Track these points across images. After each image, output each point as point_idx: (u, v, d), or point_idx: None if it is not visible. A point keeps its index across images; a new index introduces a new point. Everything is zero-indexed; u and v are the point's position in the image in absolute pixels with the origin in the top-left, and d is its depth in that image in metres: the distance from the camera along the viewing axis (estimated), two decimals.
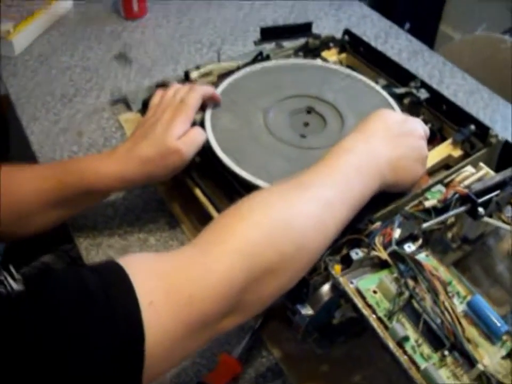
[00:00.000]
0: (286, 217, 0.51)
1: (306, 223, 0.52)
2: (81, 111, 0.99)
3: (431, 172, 0.73)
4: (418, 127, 0.66)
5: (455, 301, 0.53)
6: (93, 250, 0.77)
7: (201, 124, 0.73)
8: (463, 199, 0.60)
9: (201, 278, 0.45)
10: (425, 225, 0.56)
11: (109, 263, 0.43)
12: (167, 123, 0.68)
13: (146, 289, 0.41)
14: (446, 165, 0.74)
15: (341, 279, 0.52)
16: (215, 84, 0.82)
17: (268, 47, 0.94)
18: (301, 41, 0.91)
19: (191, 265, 0.45)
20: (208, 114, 0.74)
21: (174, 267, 0.45)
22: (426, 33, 2.31)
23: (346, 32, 0.90)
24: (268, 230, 0.49)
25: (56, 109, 0.99)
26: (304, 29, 0.90)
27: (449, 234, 0.64)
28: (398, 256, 0.55)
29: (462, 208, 0.57)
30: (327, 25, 1.15)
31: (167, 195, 0.83)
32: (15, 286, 0.68)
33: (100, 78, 1.06)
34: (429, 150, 0.75)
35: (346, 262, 0.58)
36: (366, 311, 0.50)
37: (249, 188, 0.65)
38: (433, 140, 0.77)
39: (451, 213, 0.57)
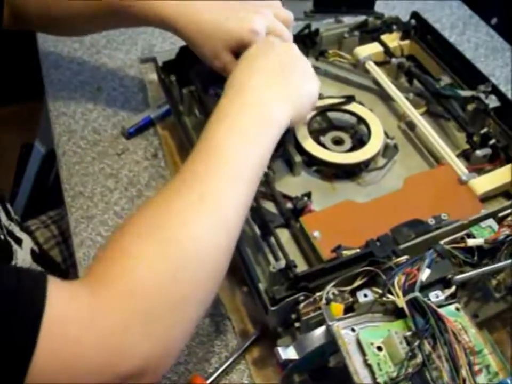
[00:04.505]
0: (179, 245, 0.44)
1: (203, 248, 0.45)
2: (107, 65, 0.89)
3: (486, 198, 0.60)
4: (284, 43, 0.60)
5: (482, 378, 0.41)
6: (83, 224, 0.69)
7: None
8: None
9: (88, 325, 0.39)
10: (459, 277, 0.43)
11: (37, 275, 0.39)
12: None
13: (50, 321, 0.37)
14: (506, 192, 0.61)
15: (335, 326, 0.41)
16: None
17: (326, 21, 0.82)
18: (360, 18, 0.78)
19: (79, 310, 0.39)
20: None
21: (68, 310, 0.39)
22: None
23: (414, 15, 0.76)
24: (158, 267, 0.42)
25: (81, 59, 0.90)
26: (365, 3, 0.77)
27: (494, 282, 0.51)
28: (419, 306, 0.43)
29: None
30: (398, 6, 1.01)
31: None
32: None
33: (136, 31, 0.96)
34: (489, 170, 0.62)
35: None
36: (357, 379, 0.38)
37: None
38: (495, 160, 0.63)
39: (498, 264, 0.44)
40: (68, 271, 0.86)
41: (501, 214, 0.53)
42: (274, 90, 0.54)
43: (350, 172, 0.63)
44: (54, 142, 0.80)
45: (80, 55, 0.91)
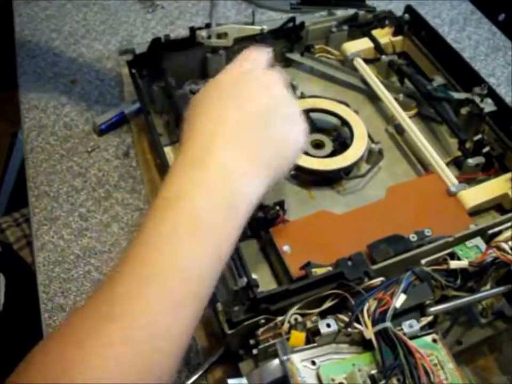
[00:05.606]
0: None
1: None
2: (84, 56, 0.85)
3: (476, 211, 0.55)
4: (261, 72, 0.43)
5: None
6: (46, 226, 0.64)
7: None
8: (506, 270, 0.42)
9: None
10: (434, 309, 0.38)
11: None
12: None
13: None
14: (499, 206, 0.56)
15: (289, 362, 0.36)
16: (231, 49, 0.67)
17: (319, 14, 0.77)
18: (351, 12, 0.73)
19: None
20: None
21: None
22: None
23: (408, 9, 0.70)
24: None
25: (58, 49, 0.86)
26: None
27: (479, 306, 0.46)
28: (388, 338, 0.38)
29: (500, 289, 0.40)
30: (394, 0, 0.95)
31: (148, 180, 0.68)
32: None
33: (117, 21, 0.91)
34: (482, 181, 0.57)
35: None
36: None
37: None
38: (489, 169, 0.58)
39: (481, 294, 0.39)
40: None
41: (491, 231, 0.48)
42: (247, 156, 0.39)
43: (329, 179, 0.58)
44: (23, 137, 0.75)
45: (57, 45, 0.87)
